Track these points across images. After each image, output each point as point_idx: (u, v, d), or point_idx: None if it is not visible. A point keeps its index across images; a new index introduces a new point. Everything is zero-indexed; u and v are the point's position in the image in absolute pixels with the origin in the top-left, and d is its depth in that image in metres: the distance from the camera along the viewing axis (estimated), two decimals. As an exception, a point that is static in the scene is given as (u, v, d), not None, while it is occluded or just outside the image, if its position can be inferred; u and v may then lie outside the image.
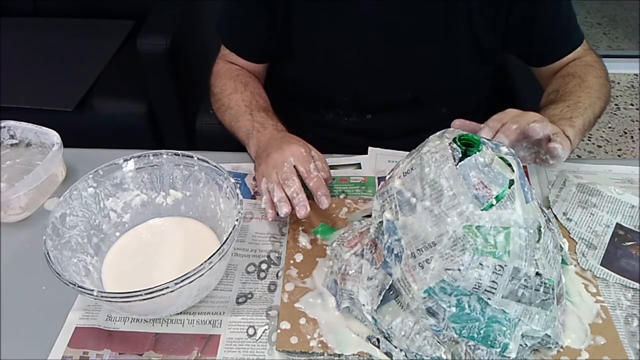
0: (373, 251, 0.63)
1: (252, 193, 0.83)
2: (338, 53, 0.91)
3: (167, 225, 0.76)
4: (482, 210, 0.54)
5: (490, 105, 1.08)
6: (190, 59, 1.60)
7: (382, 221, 0.61)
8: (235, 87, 0.92)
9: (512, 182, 0.55)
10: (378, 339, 0.62)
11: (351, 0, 0.86)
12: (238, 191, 0.68)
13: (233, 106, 0.90)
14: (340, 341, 0.63)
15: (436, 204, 0.55)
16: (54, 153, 0.80)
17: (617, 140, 2.15)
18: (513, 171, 0.55)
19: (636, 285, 0.69)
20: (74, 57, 1.63)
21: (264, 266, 0.73)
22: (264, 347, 0.64)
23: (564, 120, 0.77)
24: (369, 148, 0.90)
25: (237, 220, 0.64)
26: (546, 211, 0.70)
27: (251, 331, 0.65)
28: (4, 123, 0.85)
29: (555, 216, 0.77)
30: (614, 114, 2.26)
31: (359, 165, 0.88)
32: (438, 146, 0.57)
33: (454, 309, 0.56)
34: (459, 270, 0.54)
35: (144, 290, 0.57)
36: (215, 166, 0.72)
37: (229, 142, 0.92)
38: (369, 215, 0.69)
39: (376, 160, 0.88)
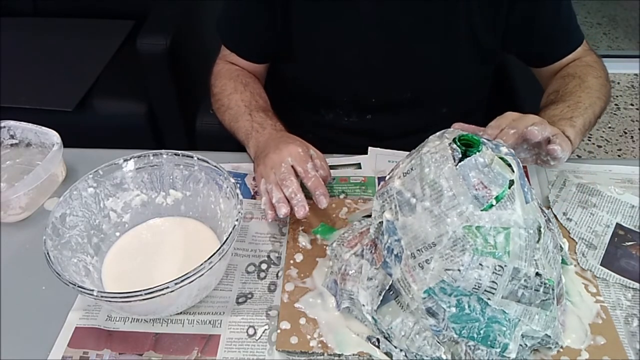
0: (373, 251, 0.63)
1: (252, 193, 0.83)
2: (338, 53, 0.91)
3: (167, 225, 0.76)
4: (482, 210, 0.54)
5: (490, 105, 1.08)
6: (190, 59, 1.60)
7: (382, 221, 0.61)
8: (235, 88, 0.92)
9: (512, 182, 0.55)
10: (378, 339, 0.62)
11: (351, 0, 0.86)
12: (238, 191, 0.68)
13: (233, 106, 0.90)
14: (340, 341, 0.63)
15: (436, 205, 0.55)
16: (54, 153, 0.80)
17: (617, 140, 2.15)
18: (513, 171, 0.55)
19: (636, 285, 0.69)
20: (74, 57, 1.63)
21: (264, 266, 0.73)
22: (264, 347, 0.64)
23: (564, 121, 0.77)
24: (369, 148, 0.90)
25: (237, 220, 0.64)
26: (546, 211, 0.70)
27: (251, 331, 0.65)
28: (4, 123, 0.85)
29: (555, 216, 0.77)
30: (614, 114, 2.26)
31: (359, 165, 0.88)
32: (438, 146, 0.57)
33: (453, 309, 0.56)
34: (459, 270, 0.54)
35: (144, 290, 0.57)
36: (215, 166, 0.72)
37: (229, 142, 0.92)
38: (369, 216, 0.69)
39: (376, 160, 0.88)
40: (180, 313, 0.67)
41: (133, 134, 1.52)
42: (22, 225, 0.79)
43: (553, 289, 0.58)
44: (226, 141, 0.94)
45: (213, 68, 0.99)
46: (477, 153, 0.55)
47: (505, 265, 0.54)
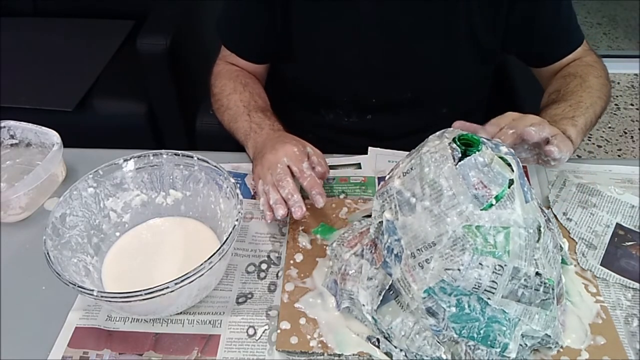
0: (373, 251, 0.63)
1: (252, 193, 0.83)
2: (338, 53, 0.91)
3: (167, 225, 0.76)
4: (481, 210, 0.54)
5: (490, 105, 1.08)
6: (190, 59, 1.60)
7: (382, 221, 0.61)
8: (234, 88, 0.92)
9: (511, 181, 0.55)
10: (378, 339, 0.62)
11: (351, 0, 0.86)
12: (238, 191, 0.68)
13: (232, 107, 0.90)
14: (340, 341, 0.63)
15: (436, 204, 0.55)
16: (54, 153, 0.80)
17: (617, 140, 2.15)
18: (513, 171, 0.55)
19: (636, 285, 0.69)
20: (74, 57, 1.63)
21: (264, 266, 0.73)
22: (264, 347, 0.64)
23: (566, 120, 0.77)
24: (369, 148, 0.90)
25: (237, 220, 0.64)
26: (546, 211, 0.70)
27: (251, 331, 0.65)
28: (4, 123, 0.85)
29: (555, 216, 0.77)
30: (614, 114, 2.26)
31: (359, 165, 0.88)
32: (438, 146, 0.57)
33: (453, 309, 0.56)
34: (459, 270, 0.54)
35: (144, 290, 0.57)
36: (215, 166, 0.72)
37: (229, 142, 0.92)
38: (369, 215, 0.69)
39: (376, 160, 0.88)
40: (180, 313, 0.67)
41: (133, 134, 1.52)
42: (22, 225, 0.79)
43: (553, 289, 0.58)
44: (226, 141, 0.94)
45: (213, 68, 0.99)
46: (477, 152, 0.55)
47: (505, 265, 0.54)
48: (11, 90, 1.47)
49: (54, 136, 0.83)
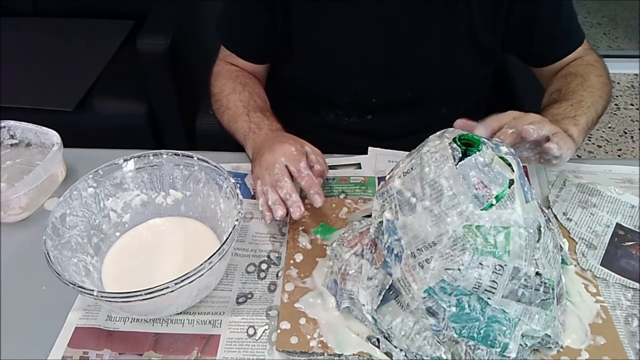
0: (373, 251, 0.63)
1: (252, 193, 0.83)
2: (338, 53, 0.91)
3: (167, 225, 0.76)
4: (482, 210, 0.54)
5: (490, 105, 1.08)
6: (190, 59, 1.60)
7: (382, 221, 0.61)
8: (233, 88, 0.92)
9: (512, 181, 0.55)
10: (378, 339, 0.62)
11: (351, 0, 0.86)
12: (238, 191, 0.68)
13: (231, 107, 0.90)
14: (340, 341, 0.63)
15: (436, 204, 0.55)
16: (54, 153, 0.80)
17: (617, 140, 2.15)
18: (513, 171, 0.55)
19: (636, 285, 0.69)
20: (74, 57, 1.63)
21: (264, 266, 0.73)
22: (264, 347, 0.64)
23: (567, 119, 0.77)
24: (369, 148, 0.90)
25: (237, 220, 0.64)
26: (546, 211, 0.70)
27: (251, 331, 0.65)
28: (4, 123, 0.85)
29: (555, 216, 0.76)
30: (614, 114, 2.26)
31: (359, 165, 0.88)
32: (438, 146, 0.57)
33: (454, 309, 0.56)
34: (459, 270, 0.54)
35: (144, 290, 0.57)
36: (215, 166, 0.72)
37: (229, 142, 0.92)
38: (369, 215, 0.69)
39: (376, 160, 0.88)
40: (180, 313, 0.67)
41: (133, 134, 1.52)
42: (22, 225, 0.79)
43: (553, 289, 0.58)
44: (226, 141, 0.94)
45: (213, 68, 0.99)
46: (477, 152, 0.55)
47: (505, 265, 0.54)
48: (11, 90, 1.47)
49: (54, 136, 0.83)
